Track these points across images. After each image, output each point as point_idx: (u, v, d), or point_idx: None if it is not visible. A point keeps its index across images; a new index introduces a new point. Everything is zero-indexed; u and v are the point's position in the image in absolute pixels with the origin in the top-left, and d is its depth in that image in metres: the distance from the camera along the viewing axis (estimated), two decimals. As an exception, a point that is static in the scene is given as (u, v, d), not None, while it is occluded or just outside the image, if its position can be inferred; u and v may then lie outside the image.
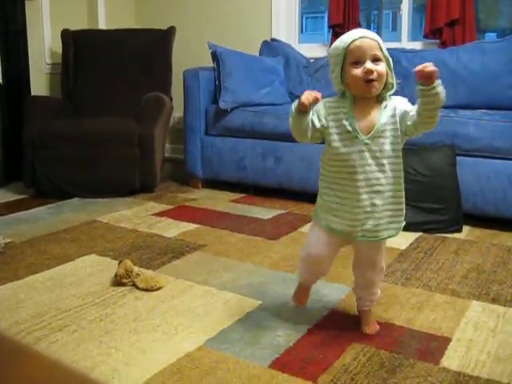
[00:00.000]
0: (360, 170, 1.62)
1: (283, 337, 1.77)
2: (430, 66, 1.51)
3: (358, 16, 4.01)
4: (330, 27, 4.08)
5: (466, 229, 2.88)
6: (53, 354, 1.66)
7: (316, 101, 1.58)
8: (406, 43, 3.98)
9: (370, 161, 1.62)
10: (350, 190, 1.64)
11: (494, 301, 2.05)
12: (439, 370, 1.59)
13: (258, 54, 4.13)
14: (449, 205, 2.85)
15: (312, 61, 4.02)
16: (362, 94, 1.61)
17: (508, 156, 2.83)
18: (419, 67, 1.52)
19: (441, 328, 1.84)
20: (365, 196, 1.63)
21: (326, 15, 4.19)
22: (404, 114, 1.61)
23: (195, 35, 4.64)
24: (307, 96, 1.57)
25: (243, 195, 3.67)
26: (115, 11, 4.81)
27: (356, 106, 1.62)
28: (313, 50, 4.27)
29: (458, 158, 2.90)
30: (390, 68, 1.60)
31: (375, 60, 1.56)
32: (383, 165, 1.63)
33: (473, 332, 1.81)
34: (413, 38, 4.09)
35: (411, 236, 2.75)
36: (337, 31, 4.02)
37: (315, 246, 1.74)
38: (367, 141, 1.61)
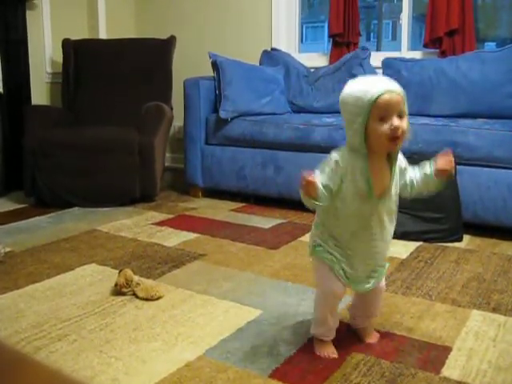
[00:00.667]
0: (367, 226, 1.61)
1: (284, 346, 1.77)
2: (451, 164, 1.60)
3: (358, 25, 4.03)
4: (330, 36, 4.10)
5: (466, 238, 2.88)
6: (53, 364, 1.65)
7: (314, 186, 1.50)
8: (406, 52, 4.00)
9: (376, 218, 1.60)
10: (354, 246, 1.64)
11: (494, 310, 2.05)
12: (440, 379, 1.58)
13: (258, 64, 4.14)
14: (449, 214, 2.85)
15: (312, 70, 4.03)
16: (382, 150, 1.56)
17: (508, 165, 2.83)
18: (444, 163, 1.60)
19: (441, 337, 1.83)
20: (365, 255, 1.66)
21: (326, 25, 4.21)
22: (405, 180, 1.66)
23: (195, 44, 4.66)
24: (308, 190, 1.50)
25: (243, 204, 3.67)
26: (116, 21, 4.83)
27: (369, 163, 1.55)
28: (313, 60, 4.28)
29: (458, 166, 2.90)
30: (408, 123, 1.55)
31: (400, 115, 1.50)
32: (384, 221, 1.63)
33: (473, 341, 1.81)
34: (413, 48, 4.10)
35: (411, 245, 2.75)
36: (337, 41, 4.04)
37: (334, 281, 1.67)
38: (378, 201, 1.58)
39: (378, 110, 1.47)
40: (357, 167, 1.54)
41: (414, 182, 1.65)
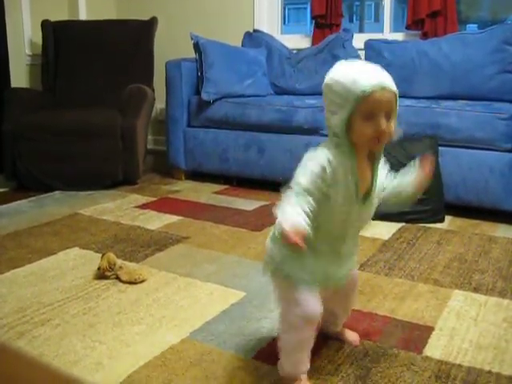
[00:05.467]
0: (349, 225, 1.43)
1: (268, 328, 1.78)
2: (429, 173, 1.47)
3: (341, 7, 4.01)
4: (312, 18, 4.08)
5: (448, 219, 2.91)
6: (36, 349, 1.65)
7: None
8: (389, 34, 4.00)
9: (356, 223, 1.45)
10: (335, 246, 1.45)
11: (475, 290, 2.07)
12: (422, 358, 1.60)
13: (240, 45, 4.11)
14: (431, 195, 2.86)
15: (295, 52, 4.02)
16: (363, 148, 1.37)
17: (489, 146, 2.85)
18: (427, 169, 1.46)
19: (424, 317, 1.85)
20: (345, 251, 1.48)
21: (308, 6, 4.19)
22: (385, 187, 1.48)
23: (177, 26, 4.61)
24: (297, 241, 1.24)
25: (226, 187, 3.67)
26: (96, 1, 4.76)
27: (357, 161, 1.37)
28: (295, 41, 4.26)
29: (440, 148, 2.92)
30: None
31: (388, 115, 1.30)
32: (363, 221, 1.48)
33: (455, 321, 1.83)
34: (395, 29, 4.10)
35: (394, 226, 2.77)
36: (319, 22, 4.02)
37: (309, 301, 1.42)
38: (361, 202, 1.40)
39: (366, 106, 1.27)
40: (348, 166, 1.34)
41: (390, 188, 1.49)
